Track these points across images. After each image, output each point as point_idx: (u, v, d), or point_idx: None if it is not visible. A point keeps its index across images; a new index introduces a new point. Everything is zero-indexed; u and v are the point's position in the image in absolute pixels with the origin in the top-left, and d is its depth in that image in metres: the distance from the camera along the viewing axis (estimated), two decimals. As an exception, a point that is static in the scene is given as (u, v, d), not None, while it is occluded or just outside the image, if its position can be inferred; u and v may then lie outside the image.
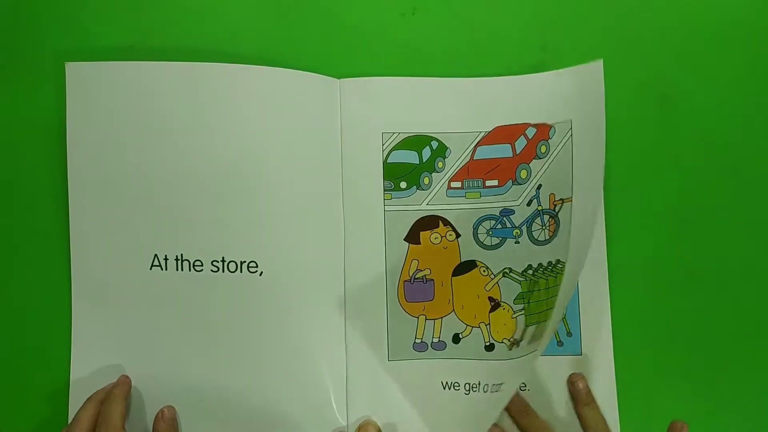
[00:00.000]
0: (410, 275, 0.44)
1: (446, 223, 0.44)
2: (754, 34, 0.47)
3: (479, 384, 0.43)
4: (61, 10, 0.45)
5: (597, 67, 0.44)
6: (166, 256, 0.40)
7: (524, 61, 0.46)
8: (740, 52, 0.47)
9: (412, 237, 0.44)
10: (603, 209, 0.45)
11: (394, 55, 0.46)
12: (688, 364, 0.45)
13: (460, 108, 0.45)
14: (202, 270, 0.40)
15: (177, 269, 0.40)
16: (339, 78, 0.44)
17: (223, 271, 0.40)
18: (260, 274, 0.40)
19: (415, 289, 0.44)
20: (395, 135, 0.45)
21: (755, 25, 0.47)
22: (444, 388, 0.44)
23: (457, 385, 0.44)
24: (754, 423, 0.45)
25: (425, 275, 0.44)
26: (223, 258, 0.40)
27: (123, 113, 0.42)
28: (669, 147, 0.46)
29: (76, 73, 0.42)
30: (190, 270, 0.40)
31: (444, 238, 0.44)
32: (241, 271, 0.40)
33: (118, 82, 0.42)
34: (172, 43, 0.45)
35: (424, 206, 0.44)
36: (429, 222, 0.44)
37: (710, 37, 0.47)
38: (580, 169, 0.44)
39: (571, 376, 0.43)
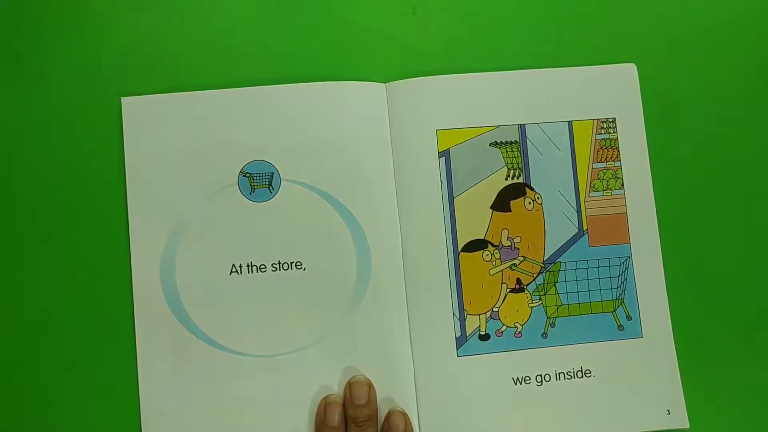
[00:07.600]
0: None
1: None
2: (754, 33, 0.48)
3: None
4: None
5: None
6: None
7: (525, 61, 0.47)
8: (740, 51, 0.48)
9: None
10: (654, 200, 0.46)
11: (394, 56, 0.46)
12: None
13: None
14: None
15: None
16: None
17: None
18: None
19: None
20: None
21: (755, 24, 0.48)
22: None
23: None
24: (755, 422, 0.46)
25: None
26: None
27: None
28: (668, 146, 0.47)
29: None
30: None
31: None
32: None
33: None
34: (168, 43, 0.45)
35: None
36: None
37: (710, 37, 0.48)
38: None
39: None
